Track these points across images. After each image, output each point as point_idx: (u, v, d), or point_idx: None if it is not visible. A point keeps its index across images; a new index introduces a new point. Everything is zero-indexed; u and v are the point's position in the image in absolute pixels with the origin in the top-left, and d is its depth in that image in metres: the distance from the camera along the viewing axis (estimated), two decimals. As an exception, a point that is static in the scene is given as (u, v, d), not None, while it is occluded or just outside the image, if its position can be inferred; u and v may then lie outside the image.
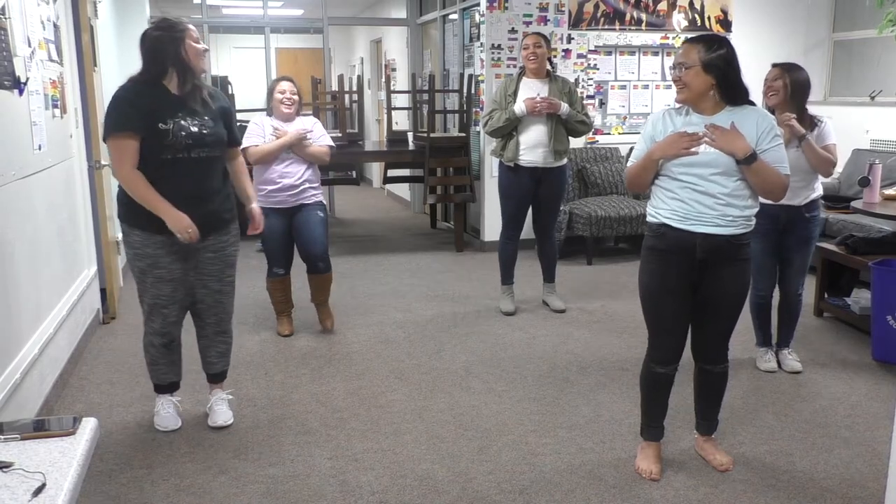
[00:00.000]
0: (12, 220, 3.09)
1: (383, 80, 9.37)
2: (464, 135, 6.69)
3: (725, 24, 6.96)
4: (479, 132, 6.58)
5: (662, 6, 6.82)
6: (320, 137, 4.36)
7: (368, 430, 3.26)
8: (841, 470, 2.92)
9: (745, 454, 3.03)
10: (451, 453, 3.05)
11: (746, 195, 2.64)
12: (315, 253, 4.37)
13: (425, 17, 8.62)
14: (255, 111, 7.36)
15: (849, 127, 6.43)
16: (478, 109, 6.59)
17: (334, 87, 8.39)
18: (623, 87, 6.95)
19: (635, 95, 6.98)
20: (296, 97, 4.30)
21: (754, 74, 3.52)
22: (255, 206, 3.36)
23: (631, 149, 2.86)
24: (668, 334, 2.79)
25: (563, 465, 2.96)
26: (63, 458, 1.60)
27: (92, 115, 4.72)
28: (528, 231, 4.95)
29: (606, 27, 6.75)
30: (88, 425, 1.76)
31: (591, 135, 6.72)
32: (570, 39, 6.68)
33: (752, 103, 2.71)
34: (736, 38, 6.65)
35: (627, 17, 6.78)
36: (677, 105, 2.76)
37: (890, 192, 4.54)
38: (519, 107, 4.51)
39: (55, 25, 4.00)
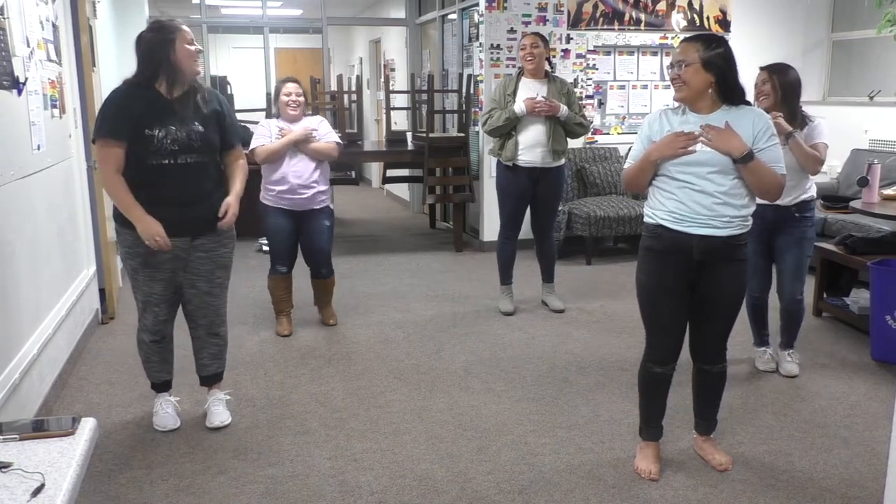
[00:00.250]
0: (11, 220, 3.09)
1: (382, 80, 9.36)
2: (463, 135, 6.69)
3: (724, 24, 6.96)
4: (478, 132, 6.58)
5: (661, 6, 6.83)
6: (326, 134, 4.38)
7: (368, 430, 3.26)
8: (840, 470, 2.92)
9: (744, 454, 3.04)
10: (450, 453, 3.05)
11: (743, 194, 2.64)
12: (319, 260, 4.49)
13: (424, 17, 8.62)
14: (254, 111, 7.40)
15: (848, 127, 6.44)
16: (477, 109, 6.59)
17: (333, 88, 8.39)
18: (622, 87, 6.95)
19: (634, 95, 6.99)
20: (301, 98, 4.33)
21: (753, 75, 3.53)
22: (230, 199, 3.13)
23: (629, 149, 2.86)
24: (666, 334, 2.79)
25: (563, 465, 2.96)
26: (62, 459, 1.60)
27: (91, 115, 4.71)
28: (526, 231, 4.96)
29: (605, 27, 6.75)
30: (87, 425, 1.76)
31: (590, 135, 6.72)
32: (569, 39, 6.68)
33: (749, 103, 2.71)
34: (735, 38, 6.65)
35: (626, 17, 6.78)
36: (674, 105, 2.77)
37: (889, 192, 4.55)
38: (519, 106, 4.52)
39: (54, 25, 3.99)
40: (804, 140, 3.49)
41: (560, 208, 5.80)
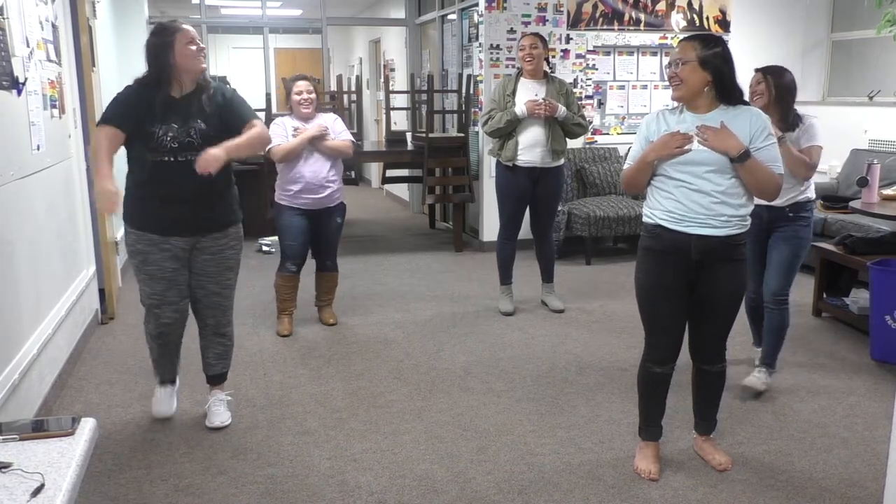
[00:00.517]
0: (11, 220, 3.09)
1: (382, 80, 9.36)
2: (462, 135, 6.69)
3: (724, 24, 6.96)
4: (477, 132, 6.58)
5: (661, 6, 6.83)
6: (341, 133, 4.43)
7: (367, 430, 3.26)
8: (840, 470, 2.92)
9: (743, 454, 3.04)
10: (450, 453, 3.05)
11: (740, 193, 2.64)
12: (327, 254, 4.59)
13: (424, 18, 8.62)
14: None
15: (847, 127, 6.44)
16: (476, 110, 6.59)
17: (333, 88, 8.39)
18: (622, 88, 6.95)
19: (634, 95, 6.99)
20: (313, 96, 4.36)
21: (751, 75, 3.52)
22: (216, 150, 2.92)
23: (629, 150, 2.86)
24: (665, 334, 2.79)
25: (562, 465, 2.96)
26: (62, 459, 1.60)
27: (90, 115, 4.71)
28: (526, 231, 4.96)
29: (605, 27, 6.75)
30: (87, 426, 1.76)
31: (589, 135, 6.72)
32: (568, 40, 6.68)
33: (747, 103, 2.72)
34: (734, 39, 6.67)
35: (626, 18, 6.78)
36: (672, 106, 2.77)
37: (888, 192, 4.55)
38: (520, 108, 4.52)
39: (53, 26, 3.99)
40: (796, 142, 3.41)
41: (560, 208, 5.80)
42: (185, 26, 2.97)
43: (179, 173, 2.95)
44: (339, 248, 4.68)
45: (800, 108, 3.52)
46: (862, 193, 4.56)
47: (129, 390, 3.67)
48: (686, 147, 2.60)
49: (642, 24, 6.83)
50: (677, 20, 6.89)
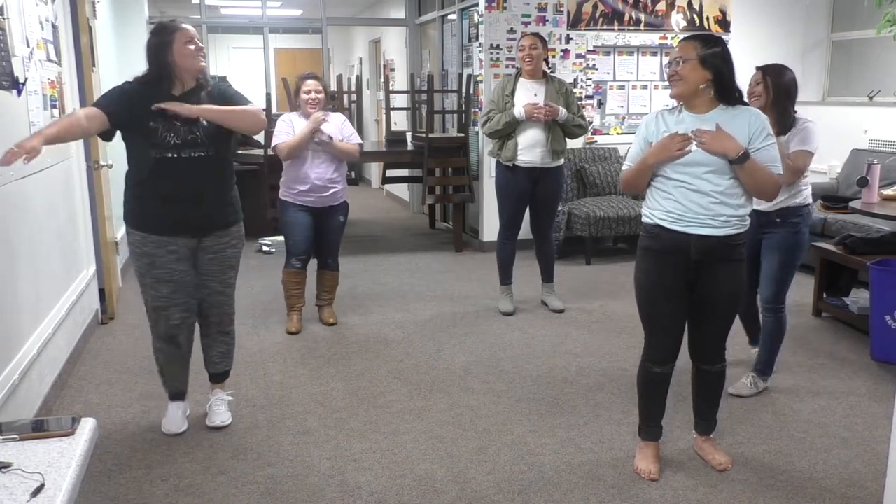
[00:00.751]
0: (11, 220, 3.09)
1: (382, 80, 9.36)
2: (462, 135, 6.69)
3: (724, 24, 6.96)
4: (477, 132, 6.58)
5: (661, 6, 6.83)
6: (351, 136, 4.49)
7: (367, 430, 3.26)
8: (840, 470, 2.92)
9: (743, 454, 3.04)
10: (450, 453, 3.05)
11: (739, 194, 2.65)
12: (328, 252, 4.63)
13: (424, 18, 8.62)
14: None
15: (847, 127, 6.44)
16: (476, 110, 6.59)
17: (333, 88, 8.39)
18: (622, 88, 6.95)
19: (634, 95, 6.99)
20: (321, 96, 4.39)
21: (751, 75, 3.51)
22: (194, 106, 2.92)
23: (629, 150, 2.86)
24: (665, 334, 2.80)
25: (562, 464, 2.96)
26: (62, 459, 1.60)
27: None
28: (526, 231, 4.96)
29: (605, 27, 6.75)
30: (87, 426, 1.76)
31: (589, 135, 6.72)
32: (568, 40, 6.68)
33: (745, 104, 2.72)
34: (734, 39, 6.67)
35: (626, 18, 6.78)
36: (671, 106, 2.77)
37: (888, 192, 4.54)
38: (519, 111, 4.53)
39: (53, 26, 3.99)
40: (785, 145, 3.31)
41: (560, 208, 5.81)
42: (184, 25, 2.97)
43: (182, 170, 2.95)
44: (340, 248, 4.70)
45: (799, 109, 3.46)
46: (862, 193, 4.56)
47: (129, 390, 3.67)
48: (687, 149, 2.60)
49: (642, 24, 6.83)
50: (677, 20, 6.89)
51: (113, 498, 2.72)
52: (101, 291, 4.79)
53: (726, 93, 2.65)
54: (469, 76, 6.81)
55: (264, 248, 6.75)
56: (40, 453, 1.62)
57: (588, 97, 6.82)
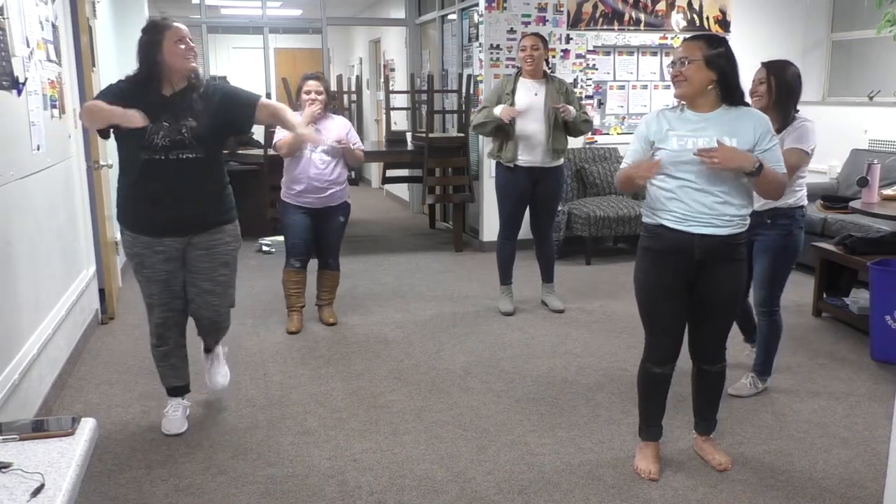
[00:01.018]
0: (11, 220, 3.09)
1: (382, 80, 9.36)
2: (462, 135, 6.69)
3: (724, 24, 6.96)
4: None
5: (661, 6, 6.83)
6: (355, 144, 4.53)
7: (367, 430, 3.26)
8: (840, 470, 2.92)
9: (743, 454, 3.04)
10: (450, 453, 3.05)
11: (743, 193, 2.65)
12: (329, 252, 4.64)
13: (424, 18, 8.62)
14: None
15: (847, 127, 6.44)
16: (476, 110, 6.59)
17: (333, 88, 8.37)
18: (622, 88, 6.95)
19: (634, 95, 6.98)
20: (322, 96, 4.38)
21: (752, 75, 3.51)
22: (302, 132, 3.31)
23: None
24: (665, 334, 2.79)
25: (562, 464, 2.96)
26: (62, 459, 1.60)
27: (90, 115, 4.71)
28: (526, 231, 4.96)
29: (605, 27, 6.75)
30: (87, 426, 1.76)
31: (589, 135, 6.72)
32: (568, 40, 6.68)
33: (747, 104, 2.72)
34: (734, 38, 6.65)
35: (626, 18, 6.78)
36: (671, 105, 2.77)
37: (888, 192, 4.55)
38: (498, 110, 4.53)
39: (53, 26, 3.99)
40: (780, 142, 3.18)
41: (560, 208, 5.81)
42: (175, 24, 2.93)
43: (170, 172, 2.93)
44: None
45: (800, 109, 3.43)
46: (862, 193, 4.56)
47: (129, 390, 3.67)
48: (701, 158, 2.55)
49: (642, 24, 6.82)
50: (677, 20, 6.89)
51: (113, 498, 2.72)
52: (101, 291, 4.79)
53: (730, 93, 2.65)
54: (469, 76, 6.81)
55: (264, 248, 6.75)
56: (40, 453, 1.62)
57: (588, 97, 6.82)
